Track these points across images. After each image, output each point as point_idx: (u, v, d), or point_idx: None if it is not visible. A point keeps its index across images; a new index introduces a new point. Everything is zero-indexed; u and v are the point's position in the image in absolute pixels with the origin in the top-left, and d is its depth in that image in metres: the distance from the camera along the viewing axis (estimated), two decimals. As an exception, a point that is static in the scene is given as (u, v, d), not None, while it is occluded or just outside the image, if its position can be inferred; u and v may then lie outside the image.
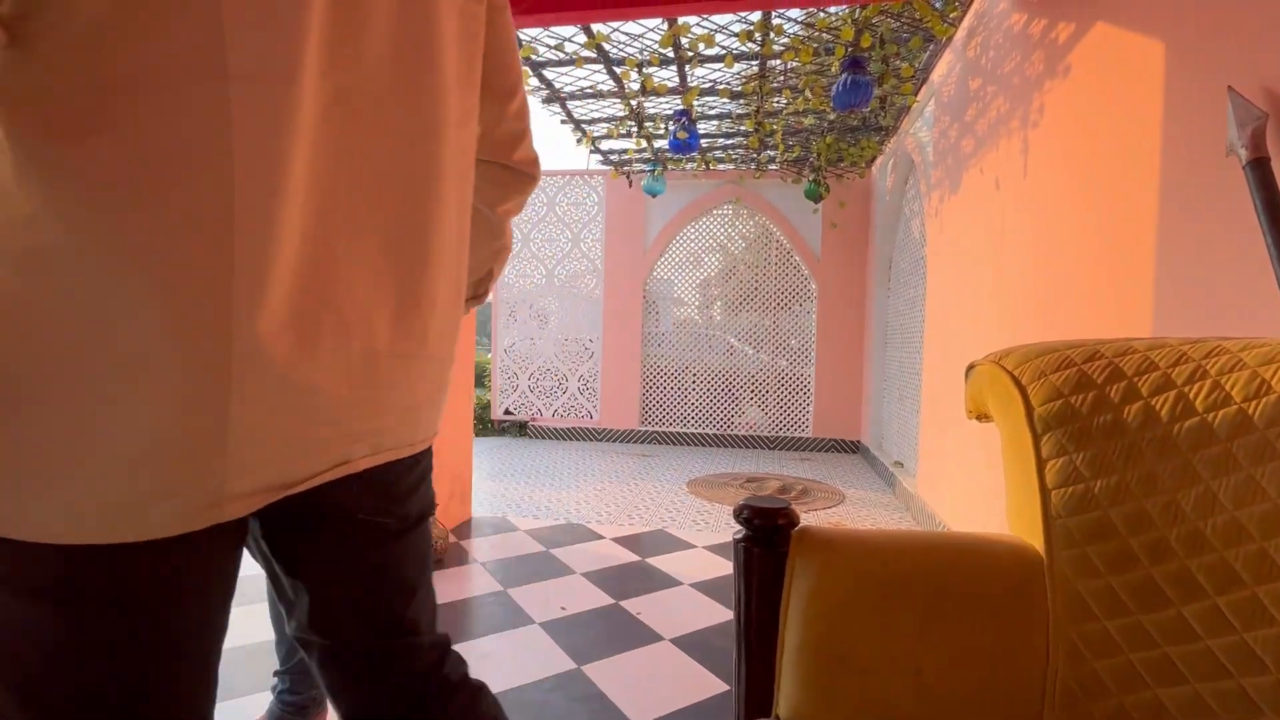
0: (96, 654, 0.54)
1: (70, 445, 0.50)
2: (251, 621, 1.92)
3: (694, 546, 3.15)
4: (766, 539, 0.70)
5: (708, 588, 2.61)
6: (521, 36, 3.55)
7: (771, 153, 5.29)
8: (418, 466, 0.78)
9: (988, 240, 2.73)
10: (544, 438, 6.66)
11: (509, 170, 0.92)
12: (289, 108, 0.56)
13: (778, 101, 4.29)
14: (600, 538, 3.25)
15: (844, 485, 4.64)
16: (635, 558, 2.95)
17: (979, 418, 0.80)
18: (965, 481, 2.87)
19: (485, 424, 6.75)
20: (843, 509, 4.00)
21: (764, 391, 6.40)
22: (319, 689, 1.40)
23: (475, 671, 0.84)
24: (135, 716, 0.56)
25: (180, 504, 0.53)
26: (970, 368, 0.79)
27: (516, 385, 6.61)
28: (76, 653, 0.53)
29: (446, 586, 2.52)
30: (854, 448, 6.07)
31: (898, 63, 3.57)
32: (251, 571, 0.77)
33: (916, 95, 3.91)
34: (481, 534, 3.26)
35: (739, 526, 0.71)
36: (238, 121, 0.52)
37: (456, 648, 0.84)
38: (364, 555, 0.73)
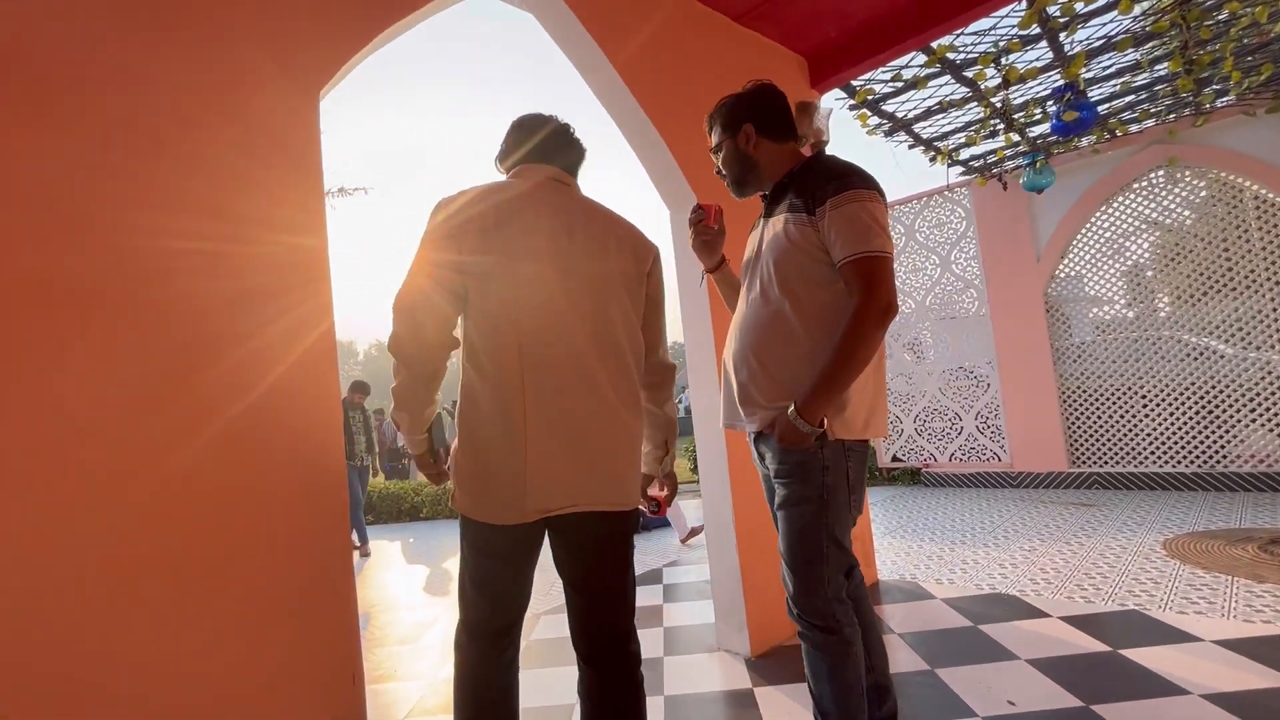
0: (501, 577, 1.32)
1: (495, 477, 1.26)
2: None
3: (1196, 639, 2.33)
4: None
5: (1236, 704, 1.88)
6: (853, 83, 3.52)
7: (1219, 86, 3.90)
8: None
9: None
10: (942, 485, 6.00)
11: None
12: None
13: (1217, 19, 3.17)
14: (1043, 615, 2.69)
15: None
16: (1102, 646, 2.34)
17: None
18: None
19: (872, 473, 6.47)
20: None
21: (1272, 406, 4.51)
22: None
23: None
24: (509, 600, 1.33)
25: (516, 510, 1.24)
26: None
27: (901, 429, 6.17)
28: (495, 578, 1.32)
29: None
30: None
31: None
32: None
33: None
34: (892, 600, 3.07)
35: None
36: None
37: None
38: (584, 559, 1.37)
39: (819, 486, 1.39)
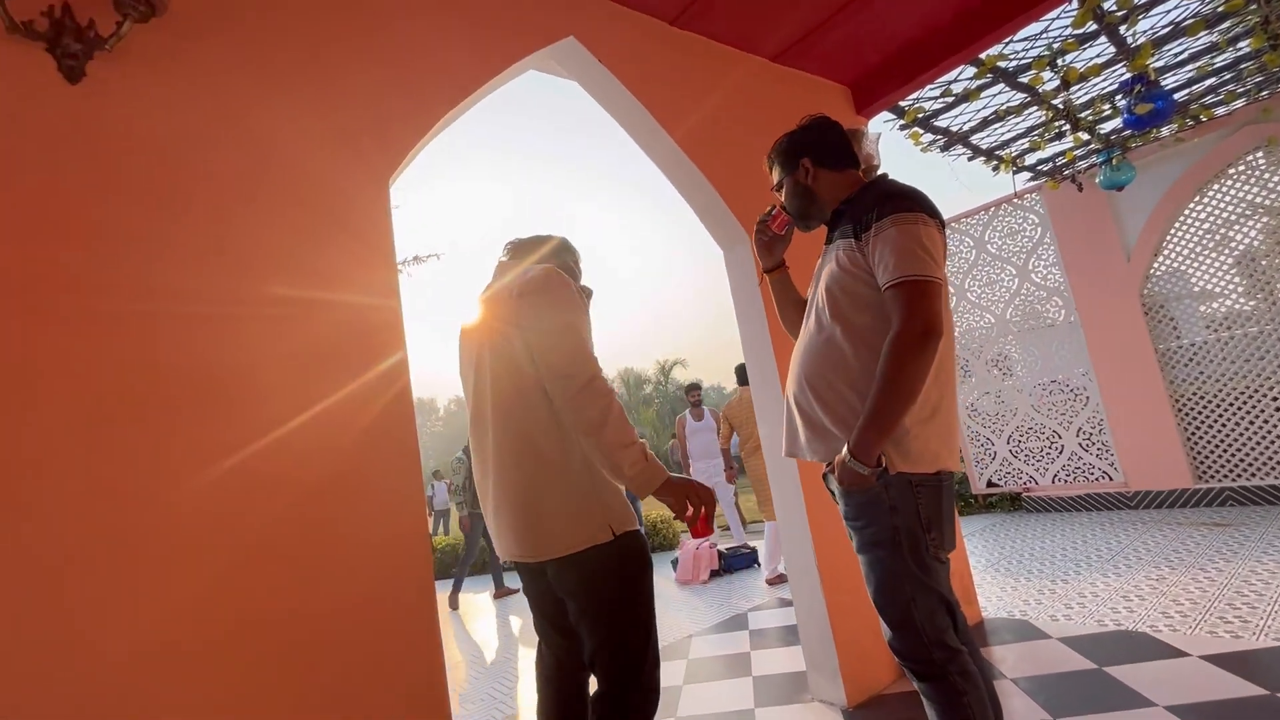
0: (532, 610, 1.65)
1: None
2: None
3: (1377, 678, 2.01)
4: None
5: None
6: (901, 103, 3.48)
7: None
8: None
9: None
10: (1046, 511, 5.54)
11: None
12: None
13: (1302, -11, 2.93)
14: (1181, 654, 2.40)
15: None
16: (1257, 689, 2.06)
17: None
18: None
19: (967, 500, 6.06)
20: None
21: None
22: None
23: None
24: (540, 632, 1.64)
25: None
26: None
27: (994, 452, 5.77)
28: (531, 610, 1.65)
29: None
30: None
31: None
32: None
33: None
34: (1000, 641, 2.82)
35: None
36: None
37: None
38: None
39: (889, 529, 1.32)
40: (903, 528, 1.31)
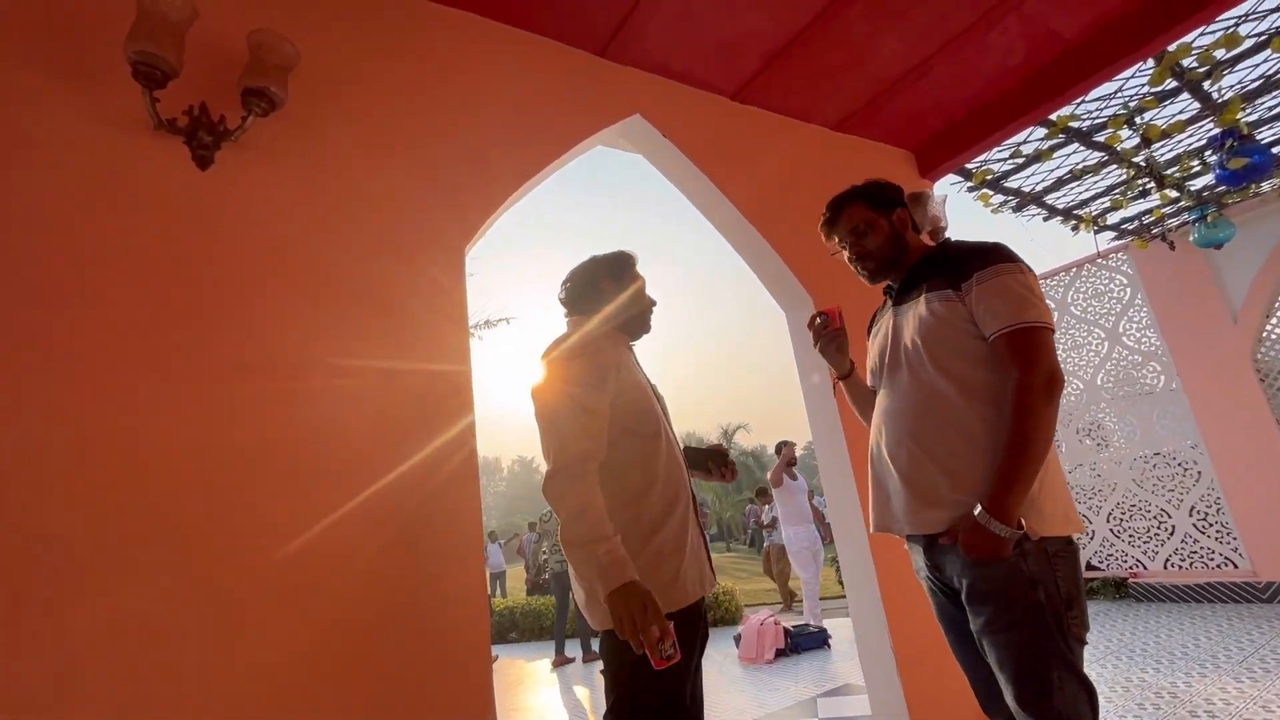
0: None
1: None
2: None
3: None
4: None
5: None
6: (968, 165, 3.44)
7: None
8: None
9: None
10: (1158, 599, 4.94)
11: None
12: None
13: None
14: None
15: None
16: None
17: None
18: None
19: (1063, 583, 5.48)
20: None
21: None
22: None
23: None
24: None
25: None
26: None
27: (1092, 531, 5.25)
28: None
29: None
30: None
31: None
32: None
33: None
34: (1112, 749, 2.48)
35: None
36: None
37: None
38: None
39: (1031, 606, 1.17)
40: (1045, 603, 1.17)
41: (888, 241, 1.48)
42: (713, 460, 1.70)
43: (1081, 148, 3.33)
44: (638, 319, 1.58)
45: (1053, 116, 3.01)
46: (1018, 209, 3.98)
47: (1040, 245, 5.50)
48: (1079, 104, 2.97)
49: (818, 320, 1.65)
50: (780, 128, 2.83)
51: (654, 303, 1.61)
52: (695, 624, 1.34)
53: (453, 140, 1.88)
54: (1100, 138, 3.22)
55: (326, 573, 1.36)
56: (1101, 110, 3.06)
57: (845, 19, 2.29)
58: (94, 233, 1.32)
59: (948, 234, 2.32)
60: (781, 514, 5.86)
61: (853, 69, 2.60)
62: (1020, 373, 1.20)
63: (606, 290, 1.55)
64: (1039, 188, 3.78)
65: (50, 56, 1.36)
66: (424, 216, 1.75)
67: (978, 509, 1.18)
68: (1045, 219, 4.18)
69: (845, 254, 1.55)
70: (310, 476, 1.40)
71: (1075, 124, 3.11)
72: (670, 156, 2.46)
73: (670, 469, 1.42)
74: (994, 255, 1.30)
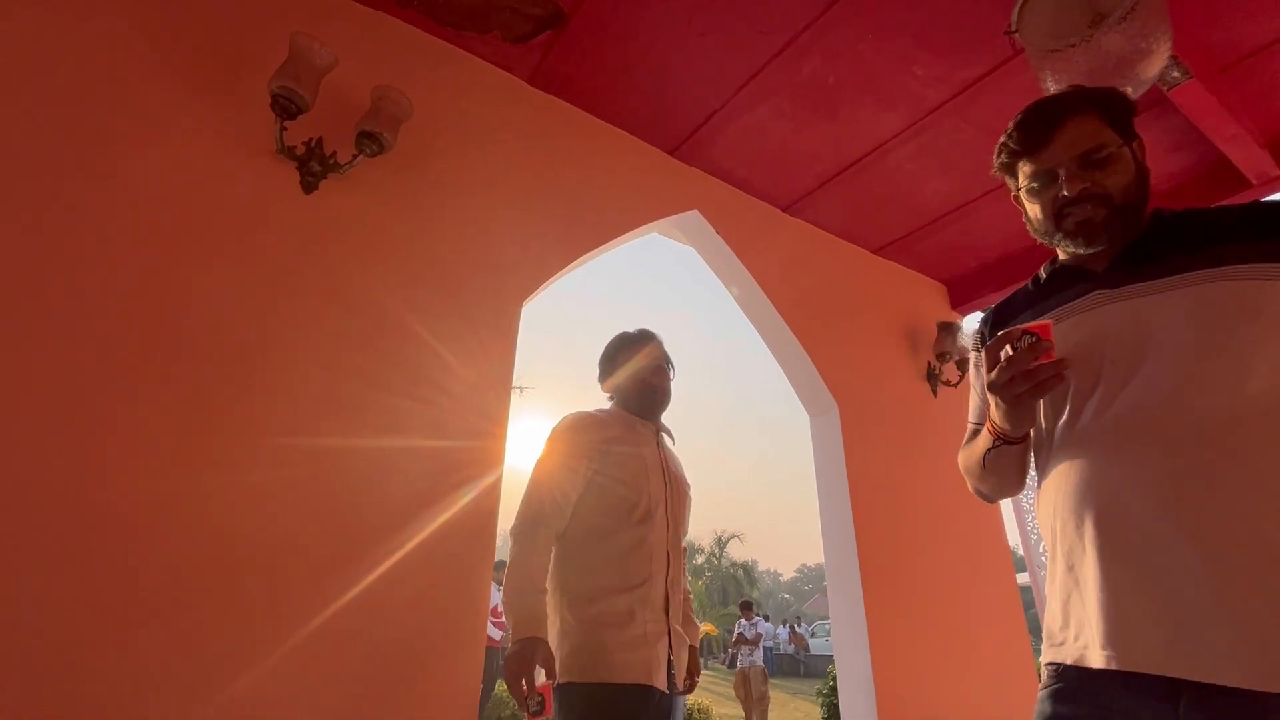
0: None
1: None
2: None
3: None
4: None
5: None
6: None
7: None
8: None
9: None
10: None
11: None
12: None
13: None
14: None
15: None
16: None
17: None
18: None
19: None
20: None
21: None
22: None
23: None
24: None
25: None
26: None
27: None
28: None
29: None
30: None
31: None
32: None
33: None
34: None
35: None
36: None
37: None
38: None
39: None
40: None
41: (1134, 177, 0.93)
42: None
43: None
44: (636, 398, 1.61)
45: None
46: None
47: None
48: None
49: (1022, 340, 0.86)
50: (823, 243, 3.01)
51: (654, 383, 1.61)
52: (632, 706, 1.28)
53: (528, 208, 2.02)
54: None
55: (345, 651, 1.34)
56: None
57: (896, 157, 2.51)
58: (197, 225, 1.43)
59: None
60: None
61: (896, 201, 2.80)
62: None
63: (618, 366, 1.65)
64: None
65: (206, 80, 1.53)
66: (489, 267, 1.87)
67: None
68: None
69: (1046, 192, 0.95)
70: (352, 529, 1.42)
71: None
72: (719, 252, 2.61)
73: (645, 550, 1.41)
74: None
